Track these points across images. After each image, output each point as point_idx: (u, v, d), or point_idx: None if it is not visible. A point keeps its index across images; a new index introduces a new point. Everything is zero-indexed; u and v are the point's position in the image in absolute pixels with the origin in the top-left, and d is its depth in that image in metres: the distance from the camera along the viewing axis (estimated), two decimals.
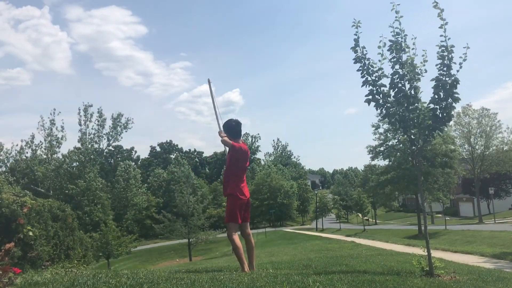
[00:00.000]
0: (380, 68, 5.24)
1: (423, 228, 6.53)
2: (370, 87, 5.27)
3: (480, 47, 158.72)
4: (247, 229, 4.98)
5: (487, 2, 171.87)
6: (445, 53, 4.93)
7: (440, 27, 4.90)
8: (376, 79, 5.25)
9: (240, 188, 4.83)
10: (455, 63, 4.95)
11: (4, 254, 3.32)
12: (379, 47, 5.17)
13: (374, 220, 63.46)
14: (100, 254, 30.50)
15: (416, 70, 5.06)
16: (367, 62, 5.25)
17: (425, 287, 4.12)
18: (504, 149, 45.66)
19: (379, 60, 5.22)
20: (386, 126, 34.23)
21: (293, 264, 7.13)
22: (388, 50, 5.13)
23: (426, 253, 5.04)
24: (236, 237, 4.75)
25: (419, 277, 4.80)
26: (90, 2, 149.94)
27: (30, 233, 12.64)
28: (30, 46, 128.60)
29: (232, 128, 5.02)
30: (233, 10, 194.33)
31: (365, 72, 5.27)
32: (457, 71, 4.95)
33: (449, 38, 4.91)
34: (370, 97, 5.30)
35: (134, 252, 41.44)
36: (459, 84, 4.92)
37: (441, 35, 4.91)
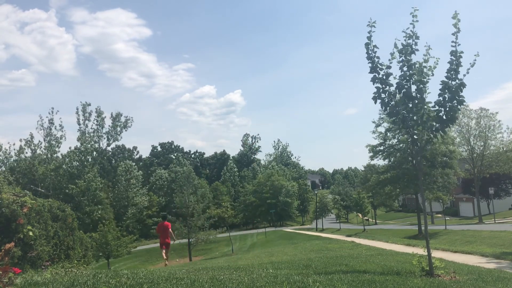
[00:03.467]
0: (389, 66, 5.39)
1: (423, 228, 6.53)
2: (377, 85, 5.45)
3: (479, 47, 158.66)
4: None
5: (487, 2, 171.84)
6: (454, 58, 5.09)
7: (453, 34, 5.06)
8: (384, 77, 5.41)
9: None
10: (462, 66, 5.11)
11: (4, 254, 3.32)
12: (396, 46, 5.34)
13: (374, 220, 63.39)
14: (100, 254, 30.41)
15: (423, 74, 5.22)
16: (376, 60, 5.44)
17: (425, 287, 4.12)
18: (504, 149, 45.51)
19: (389, 60, 5.40)
20: (386, 125, 34.25)
21: (293, 264, 7.13)
22: (399, 52, 5.30)
23: (426, 253, 5.04)
24: None
25: (419, 277, 4.80)
26: (95, 5, 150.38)
27: (30, 233, 12.62)
28: (35, 48, 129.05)
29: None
30: (234, 12, 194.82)
31: (374, 70, 5.48)
32: (464, 75, 5.11)
33: (459, 45, 5.06)
34: (377, 95, 5.49)
35: (134, 252, 41.40)
36: (465, 87, 5.08)
37: (452, 41, 5.07)
